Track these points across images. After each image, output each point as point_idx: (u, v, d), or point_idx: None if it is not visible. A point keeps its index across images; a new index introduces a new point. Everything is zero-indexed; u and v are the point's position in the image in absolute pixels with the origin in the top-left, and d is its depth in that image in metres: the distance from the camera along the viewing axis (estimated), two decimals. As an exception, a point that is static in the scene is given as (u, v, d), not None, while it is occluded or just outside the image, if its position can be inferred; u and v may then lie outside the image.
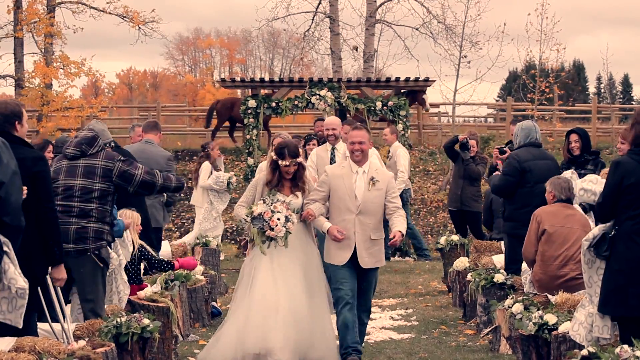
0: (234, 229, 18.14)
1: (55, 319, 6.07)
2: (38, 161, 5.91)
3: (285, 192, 7.69)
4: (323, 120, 13.77)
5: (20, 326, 5.45)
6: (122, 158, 6.91)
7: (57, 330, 6.03)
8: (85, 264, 6.67)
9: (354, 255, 7.55)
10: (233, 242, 18.17)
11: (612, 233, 5.93)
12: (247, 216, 7.46)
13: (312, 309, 7.49)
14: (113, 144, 7.63)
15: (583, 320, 6.16)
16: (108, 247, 6.94)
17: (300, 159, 7.72)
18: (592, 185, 6.62)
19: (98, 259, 6.73)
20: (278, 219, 7.28)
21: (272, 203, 7.39)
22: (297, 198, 7.72)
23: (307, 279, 7.59)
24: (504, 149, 10.63)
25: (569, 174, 8.37)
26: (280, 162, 7.60)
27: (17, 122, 5.94)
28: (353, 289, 7.56)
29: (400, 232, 7.45)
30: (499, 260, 9.71)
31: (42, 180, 5.90)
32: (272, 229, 7.29)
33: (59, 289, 6.16)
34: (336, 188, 7.61)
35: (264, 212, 7.31)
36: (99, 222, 6.76)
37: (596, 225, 6.31)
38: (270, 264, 7.52)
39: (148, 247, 8.42)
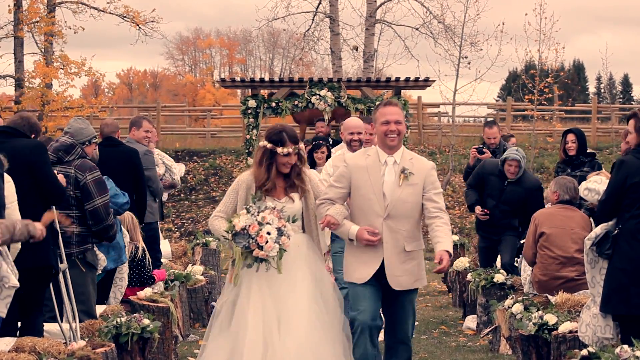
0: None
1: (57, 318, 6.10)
2: (36, 148, 6.03)
3: (278, 195, 5.88)
4: (323, 120, 13.63)
5: (4, 316, 5.45)
6: (96, 176, 6.69)
7: (65, 329, 6.02)
8: (71, 268, 6.57)
9: (382, 273, 5.79)
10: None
11: (615, 232, 5.92)
12: (228, 232, 5.62)
13: (324, 350, 5.63)
14: (95, 141, 7.36)
15: (589, 322, 6.14)
16: (95, 249, 6.90)
17: (301, 145, 5.98)
18: (596, 185, 6.63)
19: (83, 263, 6.69)
20: (268, 234, 5.51)
21: (258, 212, 5.60)
22: (293, 202, 5.89)
23: (317, 311, 5.70)
24: (483, 149, 10.64)
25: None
26: (279, 150, 5.80)
27: (33, 135, 6.27)
28: (375, 313, 5.81)
29: (447, 252, 5.63)
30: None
31: (40, 168, 6.02)
32: (261, 248, 5.52)
33: (70, 288, 6.18)
34: (359, 184, 5.83)
35: (250, 226, 5.53)
36: (81, 226, 6.70)
37: (597, 224, 6.31)
38: (263, 294, 5.68)
39: (148, 256, 8.34)
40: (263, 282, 5.68)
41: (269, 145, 5.83)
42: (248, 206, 5.67)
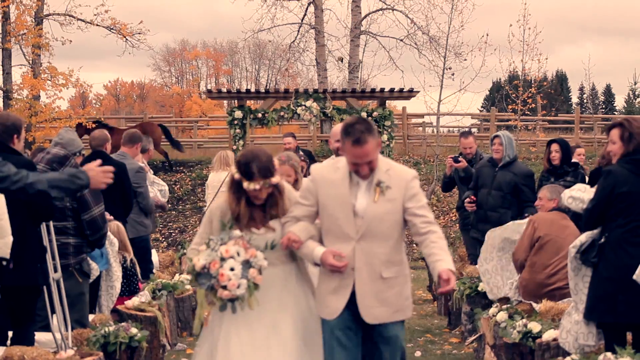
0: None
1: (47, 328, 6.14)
2: (26, 168, 5.91)
3: (256, 226, 5.05)
4: (292, 135, 13.31)
5: None
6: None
7: (57, 338, 6.05)
8: (68, 278, 6.63)
9: (355, 303, 4.90)
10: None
11: (602, 240, 5.95)
12: (189, 273, 4.85)
13: None
14: (83, 153, 7.44)
15: (570, 328, 6.16)
16: (88, 258, 6.95)
17: (276, 179, 4.99)
18: (580, 193, 6.70)
19: (80, 273, 6.74)
20: (231, 270, 4.68)
21: (219, 245, 4.78)
22: (275, 231, 5.06)
23: (306, 347, 4.99)
24: (459, 158, 10.73)
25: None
26: (245, 184, 4.94)
27: (15, 136, 6.03)
28: None
29: (450, 270, 4.67)
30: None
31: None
32: (224, 288, 4.70)
33: (64, 297, 6.21)
34: (326, 201, 4.94)
35: (210, 263, 4.72)
36: (78, 237, 6.73)
37: (582, 232, 6.35)
38: (242, 335, 4.94)
39: (137, 267, 8.37)
40: (242, 328, 4.95)
41: (236, 176, 5.00)
42: (209, 240, 4.87)
